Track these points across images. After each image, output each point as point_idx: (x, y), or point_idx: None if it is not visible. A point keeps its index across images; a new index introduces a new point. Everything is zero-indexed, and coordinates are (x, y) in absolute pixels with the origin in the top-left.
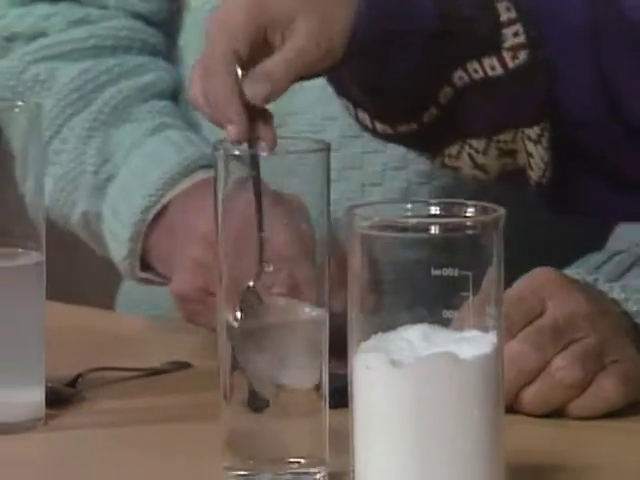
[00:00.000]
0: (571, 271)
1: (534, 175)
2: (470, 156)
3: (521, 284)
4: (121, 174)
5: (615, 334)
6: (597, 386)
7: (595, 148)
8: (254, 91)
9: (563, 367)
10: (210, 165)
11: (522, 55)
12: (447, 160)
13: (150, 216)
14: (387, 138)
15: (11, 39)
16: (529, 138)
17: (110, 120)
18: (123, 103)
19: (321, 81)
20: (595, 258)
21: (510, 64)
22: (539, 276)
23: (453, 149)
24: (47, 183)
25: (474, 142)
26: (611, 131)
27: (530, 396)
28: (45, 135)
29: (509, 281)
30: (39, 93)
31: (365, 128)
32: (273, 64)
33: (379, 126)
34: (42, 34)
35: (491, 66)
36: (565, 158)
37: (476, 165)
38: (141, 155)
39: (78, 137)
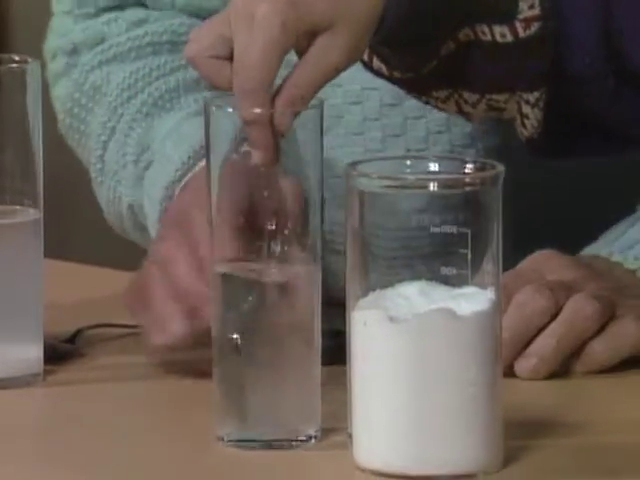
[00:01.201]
0: (589, 248)
1: (526, 132)
2: (457, 103)
3: (520, 264)
4: (155, 159)
5: (626, 289)
6: (617, 323)
7: (590, 104)
8: (281, 123)
9: (579, 302)
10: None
11: (534, 26)
12: (432, 100)
13: (175, 192)
14: (378, 75)
15: (74, 51)
16: (527, 102)
17: (153, 111)
18: (170, 94)
19: None
20: (614, 231)
21: (521, 34)
22: (539, 255)
23: (442, 93)
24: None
25: (466, 94)
26: (608, 87)
27: (548, 341)
28: (99, 140)
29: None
30: (99, 101)
31: None
32: (301, 90)
33: (376, 63)
34: (102, 40)
35: (501, 33)
36: (559, 116)
37: (461, 111)
38: (175, 138)
39: (120, 131)
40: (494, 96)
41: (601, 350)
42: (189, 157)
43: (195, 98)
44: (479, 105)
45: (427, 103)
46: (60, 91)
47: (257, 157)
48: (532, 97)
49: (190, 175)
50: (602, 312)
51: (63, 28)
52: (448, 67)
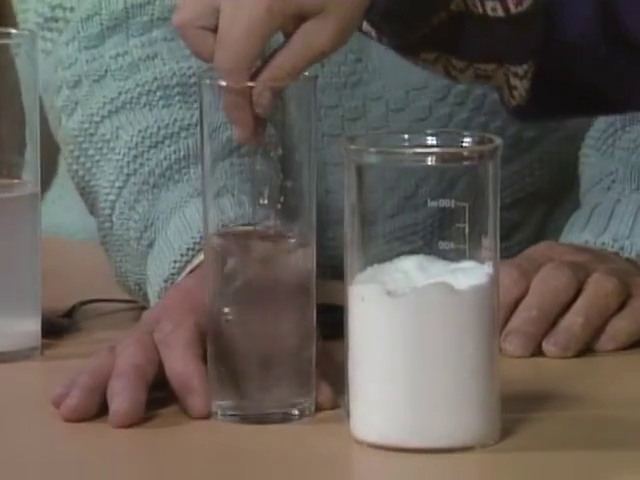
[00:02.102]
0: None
1: (514, 102)
2: (445, 67)
3: (527, 251)
4: (157, 240)
5: (631, 270)
6: (637, 299)
7: (580, 71)
8: (260, 101)
9: (599, 280)
10: (248, 224)
11: (526, 3)
12: (420, 62)
13: (173, 284)
14: (367, 35)
15: (78, 84)
16: (515, 74)
17: (161, 182)
18: (179, 164)
19: None
20: (579, 221)
21: (512, 10)
22: (543, 244)
23: (430, 55)
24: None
25: (454, 60)
26: (600, 55)
27: (576, 319)
28: (108, 199)
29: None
30: (106, 155)
31: None
32: (283, 72)
33: (365, 26)
34: (106, 72)
35: (492, 8)
36: (547, 83)
37: (448, 74)
38: (178, 220)
39: (126, 202)
40: (482, 65)
41: (625, 325)
42: (188, 249)
43: None
44: (467, 71)
45: (415, 63)
46: (68, 124)
47: (236, 134)
48: (520, 70)
49: (190, 267)
50: (622, 289)
51: (67, 59)
52: (438, 35)
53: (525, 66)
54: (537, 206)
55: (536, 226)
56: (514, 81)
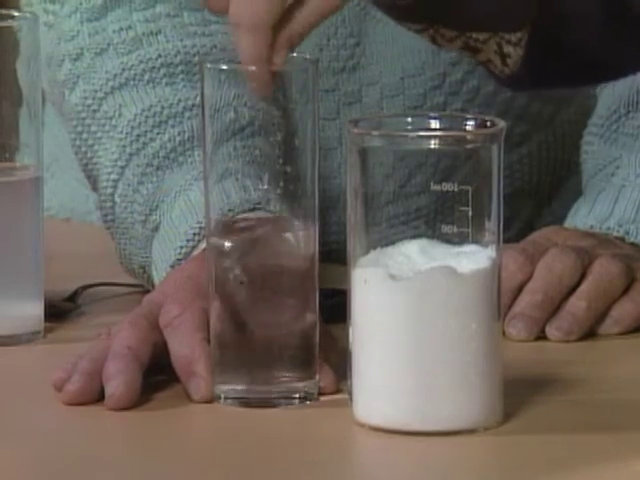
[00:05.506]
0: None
1: (507, 70)
2: (433, 37)
3: (531, 236)
4: (162, 223)
5: (636, 254)
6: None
7: (577, 40)
8: (277, 58)
9: (604, 264)
10: (253, 209)
11: None
12: (409, 25)
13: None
14: None
15: (79, 57)
16: (509, 42)
17: (165, 164)
18: (183, 146)
19: None
20: (583, 207)
21: None
22: (548, 229)
23: (418, 25)
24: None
25: (443, 30)
26: (597, 24)
27: (580, 303)
28: (110, 178)
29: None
30: (108, 132)
31: None
32: (299, 28)
33: None
34: (108, 45)
35: None
36: (542, 50)
37: (435, 42)
38: (183, 204)
39: (130, 184)
40: (474, 35)
41: (630, 308)
42: (194, 234)
43: None
44: (455, 42)
45: (400, 24)
46: (71, 99)
47: (255, 90)
48: (514, 37)
49: (196, 252)
50: (626, 273)
51: (69, 32)
52: (427, 5)
53: (519, 33)
54: (525, 203)
55: (524, 224)
56: (507, 48)
